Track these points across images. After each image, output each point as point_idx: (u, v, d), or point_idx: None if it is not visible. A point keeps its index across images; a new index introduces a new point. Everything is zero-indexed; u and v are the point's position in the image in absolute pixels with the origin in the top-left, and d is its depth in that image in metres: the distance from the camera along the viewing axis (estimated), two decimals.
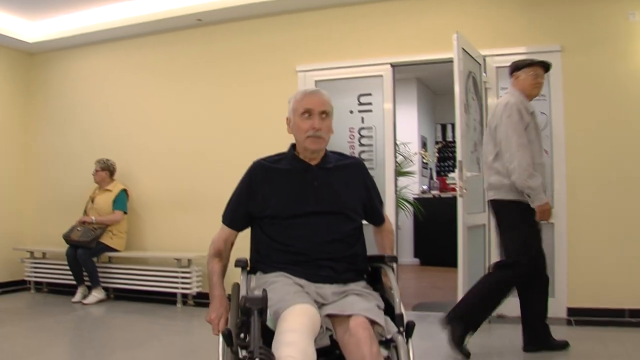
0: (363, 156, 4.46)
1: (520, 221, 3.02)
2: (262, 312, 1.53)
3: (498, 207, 3.13)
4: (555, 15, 4.04)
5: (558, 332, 3.18)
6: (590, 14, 3.96)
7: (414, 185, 7.35)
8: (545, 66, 3.16)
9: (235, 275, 1.87)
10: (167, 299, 4.81)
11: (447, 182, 7.52)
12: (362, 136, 4.54)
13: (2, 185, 5.57)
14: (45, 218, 5.68)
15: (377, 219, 2.08)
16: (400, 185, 6.25)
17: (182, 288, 4.69)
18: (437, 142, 8.88)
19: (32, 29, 5.40)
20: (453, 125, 7.82)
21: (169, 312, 4.59)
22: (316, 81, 4.58)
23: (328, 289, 1.77)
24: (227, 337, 1.60)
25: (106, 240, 4.88)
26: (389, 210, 4.23)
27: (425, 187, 7.74)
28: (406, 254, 7.21)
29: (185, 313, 4.57)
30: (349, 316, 1.62)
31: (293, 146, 1.99)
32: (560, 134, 3.97)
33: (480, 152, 4.07)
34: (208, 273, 1.91)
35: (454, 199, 3.72)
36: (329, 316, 1.68)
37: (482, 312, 3.04)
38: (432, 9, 4.35)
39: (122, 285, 4.96)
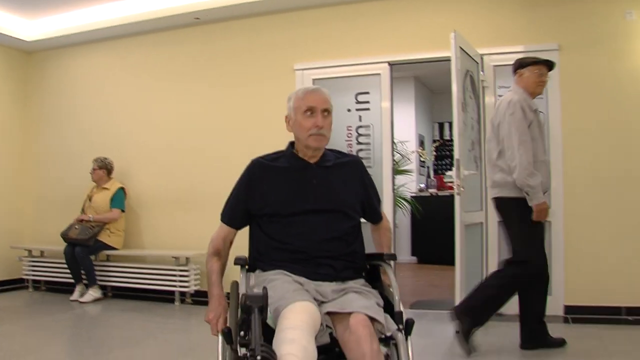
0: (361, 154, 4.46)
1: (524, 219, 3.02)
2: (263, 309, 1.52)
3: (502, 205, 3.14)
4: (553, 14, 4.05)
5: (555, 330, 3.19)
6: (588, 13, 3.97)
7: (411, 184, 7.36)
8: (550, 65, 3.18)
9: (233, 272, 1.88)
10: (165, 297, 4.81)
11: (445, 180, 7.54)
12: (359, 134, 4.55)
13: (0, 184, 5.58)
14: (44, 216, 5.68)
15: (375, 217, 2.08)
16: (398, 183, 6.26)
17: (180, 286, 4.69)
18: (434, 141, 8.89)
19: (30, 27, 5.38)
20: (450, 124, 7.83)
21: (167, 310, 4.59)
22: (314, 79, 4.58)
23: (327, 287, 1.77)
24: (227, 336, 1.60)
25: (104, 238, 4.89)
26: (387, 208, 4.24)
27: (422, 185, 7.76)
28: (403, 252, 7.21)
29: (183, 311, 4.57)
30: (349, 314, 1.62)
31: (291, 144, 1.99)
32: (558, 132, 3.98)
33: (477, 150, 4.09)
34: (207, 272, 1.90)
35: (452, 197, 3.73)
36: (329, 314, 1.67)
37: (490, 308, 3.05)
38: (429, 8, 4.35)
39: (120, 283, 4.96)
